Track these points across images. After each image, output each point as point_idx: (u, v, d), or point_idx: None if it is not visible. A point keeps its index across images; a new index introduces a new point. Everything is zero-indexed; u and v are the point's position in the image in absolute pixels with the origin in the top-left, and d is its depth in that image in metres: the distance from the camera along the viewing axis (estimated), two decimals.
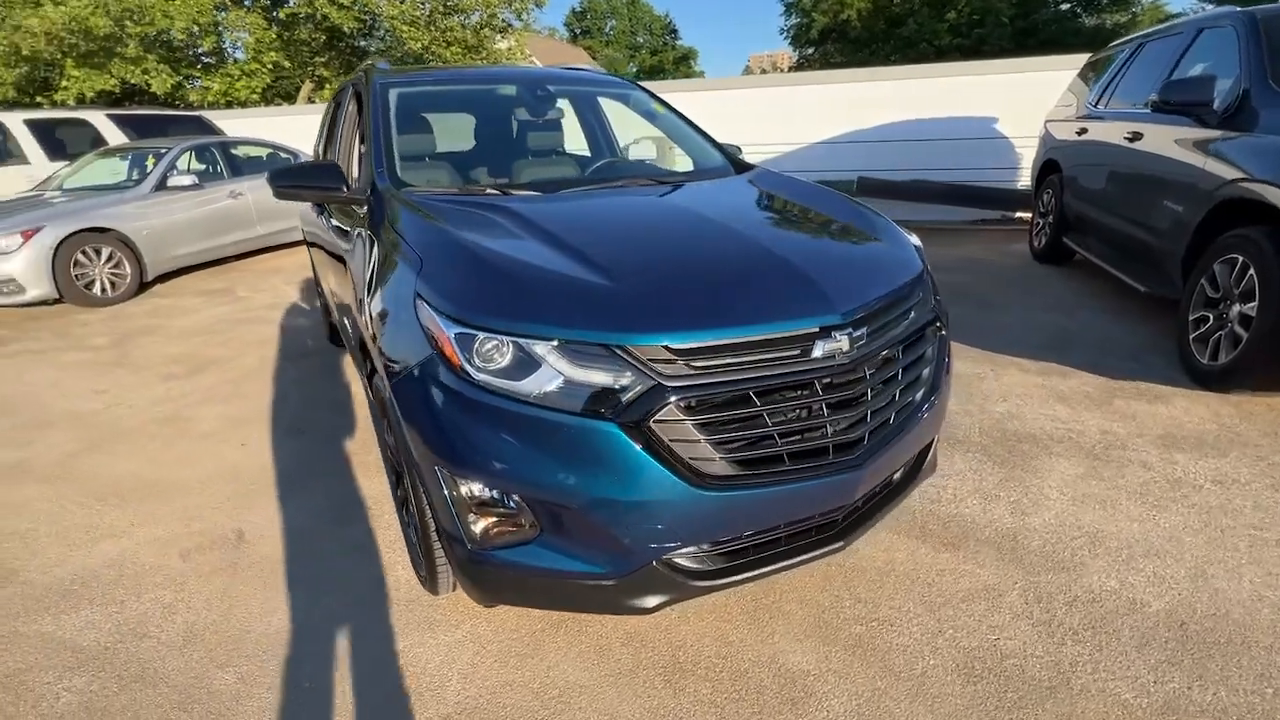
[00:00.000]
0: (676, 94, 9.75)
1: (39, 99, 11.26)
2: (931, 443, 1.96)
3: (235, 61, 12.36)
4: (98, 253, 5.62)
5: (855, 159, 8.44)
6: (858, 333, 1.54)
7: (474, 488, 1.42)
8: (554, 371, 1.37)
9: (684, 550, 1.48)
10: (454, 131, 2.68)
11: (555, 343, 1.38)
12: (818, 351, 1.48)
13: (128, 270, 5.84)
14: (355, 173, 2.54)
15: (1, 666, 1.79)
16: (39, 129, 7.40)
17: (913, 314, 1.77)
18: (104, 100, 11.01)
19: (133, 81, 10.58)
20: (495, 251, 1.64)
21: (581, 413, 1.35)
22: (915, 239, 2.06)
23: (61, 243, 5.35)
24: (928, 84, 8.04)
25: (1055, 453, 2.71)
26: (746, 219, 2.04)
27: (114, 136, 7.82)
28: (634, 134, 3.58)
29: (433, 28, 13.27)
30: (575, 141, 3.08)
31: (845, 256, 1.82)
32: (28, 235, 5.19)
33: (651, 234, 1.88)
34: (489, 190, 2.15)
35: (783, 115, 8.76)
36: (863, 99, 8.29)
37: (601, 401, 1.36)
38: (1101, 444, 2.76)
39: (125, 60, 10.24)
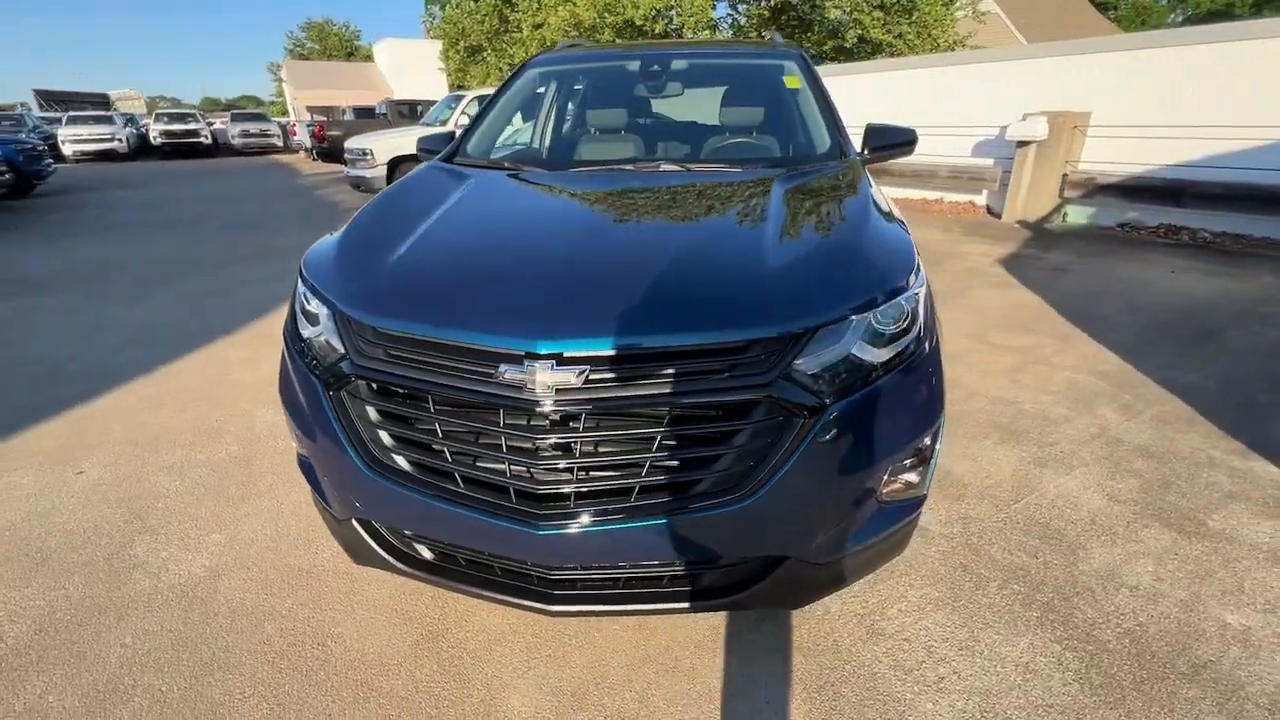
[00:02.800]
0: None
1: None
2: (778, 562, 1.38)
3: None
4: None
5: None
6: (571, 370, 1.23)
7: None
8: (320, 328, 1.56)
9: (376, 522, 1.52)
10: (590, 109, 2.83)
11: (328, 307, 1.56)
12: (507, 377, 1.26)
13: None
14: None
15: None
16: (481, 100, 10.46)
17: (726, 381, 1.26)
18: None
19: None
20: (370, 220, 1.85)
21: (312, 365, 1.52)
22: (858, 315, 1.37)
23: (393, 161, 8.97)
24: None
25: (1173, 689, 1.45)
26: (664, 227, 1.71)
27: None
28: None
29: None
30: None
31: (666, 288, 1.36)
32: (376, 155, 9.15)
33: (532, 226, 1.77)
34: (505, 164, 2.31)
35: None
36: None
37: (326, 361, 1.49)
38: None
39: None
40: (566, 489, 1.29)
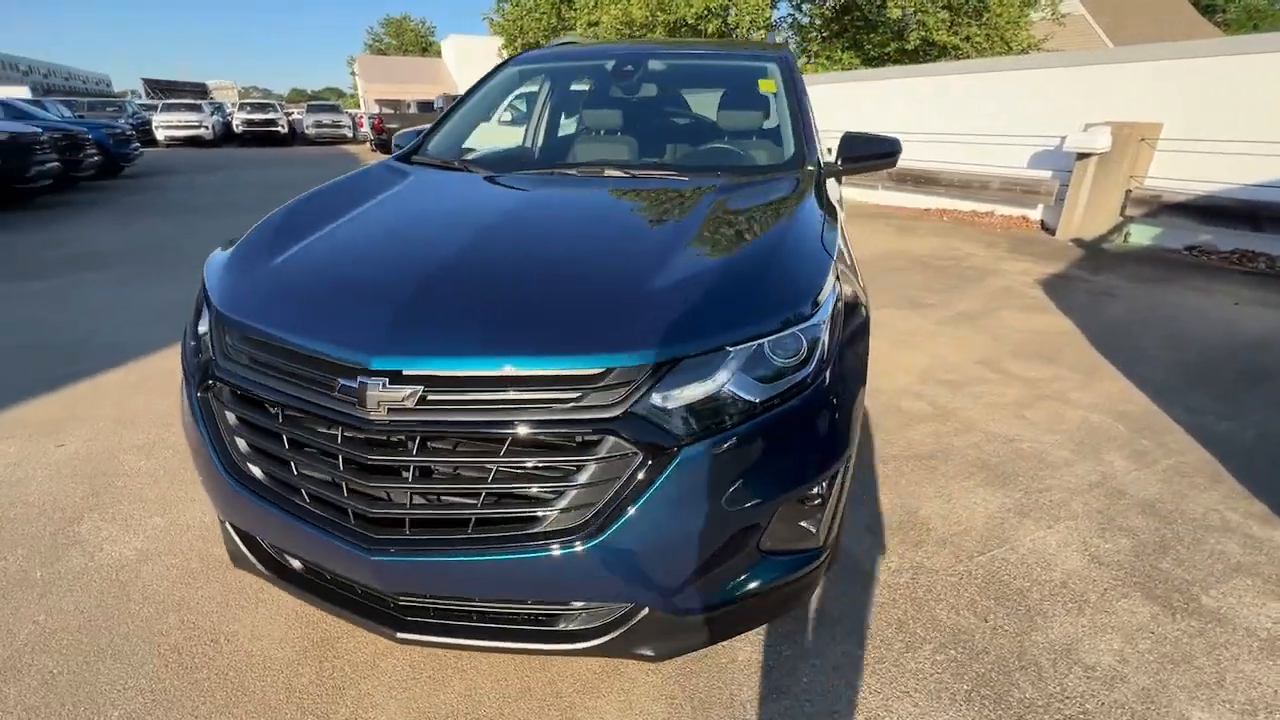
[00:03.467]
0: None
1: None
2: (636, 610, 1.26)
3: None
4: None
5: None
6: (405, 389, 1.16)
7: None
8: (207, 325, 1.54)
9: (247, 530, 1.49)
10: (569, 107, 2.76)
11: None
12: (343, 391, 1.20)
13: None
14: None
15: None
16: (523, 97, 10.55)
17: (570, 412, 1.16)
18: None
19: None
20: (281, 220, 1.82)
21: (193, 363, 1.50)
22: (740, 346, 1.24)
23: None
24: None
25: None
26: (565, 238, 1.63)
27: None
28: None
29: None
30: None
31: (528, 306, 1.27)
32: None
33: (426, 232, 1.71)
34: (455, 164, 2.25)
35: None
36: None
37: (202, 359, 1.47)
38: None
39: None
40: (401, 514, 1.22)
